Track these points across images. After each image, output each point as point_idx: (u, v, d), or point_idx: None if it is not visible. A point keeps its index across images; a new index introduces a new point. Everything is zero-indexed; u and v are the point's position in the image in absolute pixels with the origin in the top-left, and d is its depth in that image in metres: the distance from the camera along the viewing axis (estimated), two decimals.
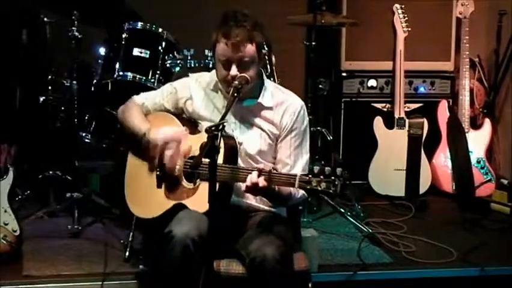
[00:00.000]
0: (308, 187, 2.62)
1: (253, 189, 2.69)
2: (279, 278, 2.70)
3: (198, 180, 2.86)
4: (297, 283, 2.91)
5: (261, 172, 2.68)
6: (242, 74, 2.83)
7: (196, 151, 2.77)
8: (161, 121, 3.00)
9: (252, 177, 2.67)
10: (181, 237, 2.68)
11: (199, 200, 2.78)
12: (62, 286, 3.38)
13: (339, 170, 2.59)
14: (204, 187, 2.77)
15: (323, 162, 4.48)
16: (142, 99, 3.09)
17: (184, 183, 2.90)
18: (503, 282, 3.70)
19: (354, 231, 4.17)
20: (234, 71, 2.83)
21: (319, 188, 2.61)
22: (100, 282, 3.34)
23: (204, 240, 2.67)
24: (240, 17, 2.84)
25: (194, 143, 2.85)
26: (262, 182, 2.66)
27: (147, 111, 3.06)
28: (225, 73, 2.86)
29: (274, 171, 2.72)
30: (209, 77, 3.04)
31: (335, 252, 3.86)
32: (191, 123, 3.03)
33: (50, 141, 4.53)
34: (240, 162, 2.90)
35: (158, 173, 2.94)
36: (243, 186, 2.72)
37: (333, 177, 2.59)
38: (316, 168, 2.62)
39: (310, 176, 2.62)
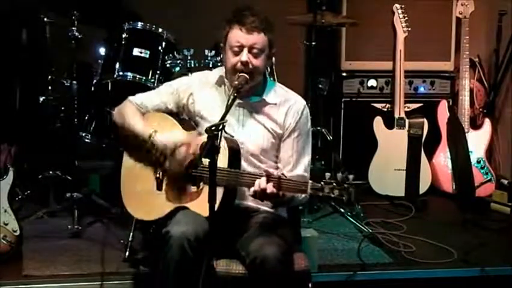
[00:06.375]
0: (320, 194, 2.61)
1: (261, 194, 2.69)
2: (279, 277, 2.70)
3: (202, 183, 2.85)
4: (297, 283, 2.91)
5: (269, 178, 2.68)
6: (242, 74, 2.84)
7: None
8: (159, 122, 2.99)
9: (261, 183, 2.67)
10: (178, 237, 2.68)
11: (202, 204, 2.75)
12: (62, 286, 3.38)
13: (351, 177, 2.59)
14: (207, 191, 2.76)
15: (323, 162, 4.56)
16: (140, 98, 3.07)
17: (188, 186, 2.89)
18: (503, 282, 3.69)
19: (354, 231, 4.16)
20: (244, 56, 2.85)
21: (332, 195, 2.60)
22: (100, 283, 3.34)
23: (201, 242, 2.67)
24: (254, 9, 2.89)
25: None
26: (270, 188, 2.66)
27: (146, 111, 3.04)
28: (235, 60, 2.86)
29: (284, 178, 2.70)
30: (213, 74, 3.05)
31: (335, 252, 3.86)
32: (190, 124, 3.02)
33: (50, 141, 4.53)
34: (242, 161, 2.90)
35: (158, 175, 2.94)
36: (249, 191, 2.72)
37: (346, 185, 2.58)
38: (327, 175, 2.61)
39: (322, 183, 2.61)
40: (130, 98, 3.09)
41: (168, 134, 2.86)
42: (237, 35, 2.86)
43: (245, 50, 2.85)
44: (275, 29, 2.95)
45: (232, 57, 2.88)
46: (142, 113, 3.03)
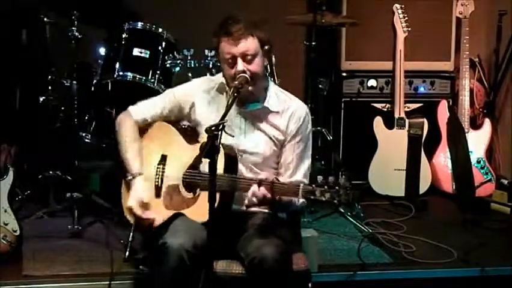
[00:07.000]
0: (312, 197, 2.62)
1: (256, 201, 2.69)
2: (277, 278, 2.71)
3: (198, 190, 2.86)
4: (296, 283, 2.91)
5: (261, 183, 2.67)
6: (242, 74, 2.83)
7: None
8: (161, 134, 3.02)
9: (255, 191, 2.68)
10: (177, 248, 2.68)
11: (199, 210, 2.77)
12: (62, 286, 3.38)
13: (342, 180, 2.58)
14: (203, 197, 2.75)
15: (322, 162, 4.55)
16: (143, 112, 3.07)
17: (184, 193, 2.90)
18: (503, 282, 3.69)
19: (354, 231, 4.16)
20: (240, 66, 2.84)
21: (323, 199, 2.60)
22: (99, 283, 3.35)
23: (199, 250, 2.67)
24: (237, 16, 2.87)
25: (194, 153, 2.82)
26: (264, 192, 2.67)
27: (147, 125, 3.06)
28: (231, 71, 2.86)
29: (277, 182, 2.71)
30: (214, 80, 3.05)
31: (335, 252, 3.86)
32: (191, 132, 3.03)
33: (50, 141, 4.53)
34: (243, 169, 2.91)
35: (157, 182, 2.94)
36: (245, 199, 2.73)
37: (337, 188, 2.58)
38: (319, 178, 2.61)
39: (313, 185, 2.61)
40: (133, 111, 3.08)
41: (142, 187, 2.92)
42: (227, 47, 2.85)
43: (239, 60, 2.84)
44: (267, 26, 2.92)
45: (229, 69, 2.88)
46: (143, 127, 3.06)
